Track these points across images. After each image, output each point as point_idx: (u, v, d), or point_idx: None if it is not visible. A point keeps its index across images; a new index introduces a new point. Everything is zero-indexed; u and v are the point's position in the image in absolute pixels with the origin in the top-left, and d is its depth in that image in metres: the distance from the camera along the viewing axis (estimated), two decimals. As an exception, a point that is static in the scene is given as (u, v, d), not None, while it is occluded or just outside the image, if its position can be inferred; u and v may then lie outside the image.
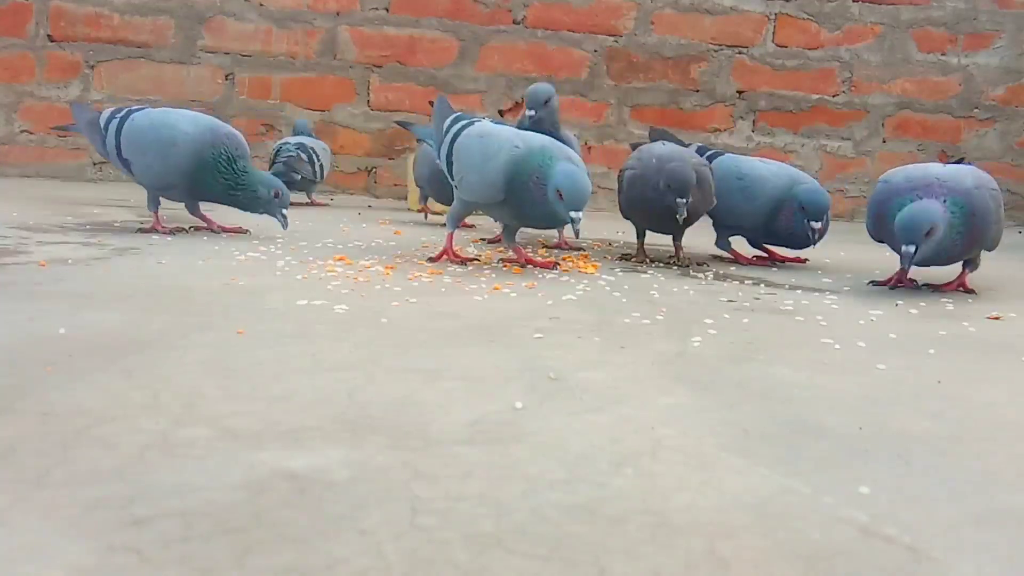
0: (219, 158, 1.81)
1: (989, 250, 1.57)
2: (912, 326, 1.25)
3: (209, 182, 1.82)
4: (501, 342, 1.01)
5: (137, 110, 1.88)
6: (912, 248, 1.40)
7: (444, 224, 1.69)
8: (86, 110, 2.01)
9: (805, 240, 1.80)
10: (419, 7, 3.17)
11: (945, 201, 1.43)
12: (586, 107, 3.23)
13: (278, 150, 2.66)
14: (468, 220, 2.35)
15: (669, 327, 1.15)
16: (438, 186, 2.20)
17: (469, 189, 1.62)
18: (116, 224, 1.93)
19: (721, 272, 1.71)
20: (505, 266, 1.62)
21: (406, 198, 2.98)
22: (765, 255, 1.93)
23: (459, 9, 3.18)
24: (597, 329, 1.11)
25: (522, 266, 1.61)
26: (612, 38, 3.21)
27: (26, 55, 3.12)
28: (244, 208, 1.87)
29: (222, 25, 3.15)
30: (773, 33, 3.24)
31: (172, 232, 1.84)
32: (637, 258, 1.81)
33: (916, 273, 1.60)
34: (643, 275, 1.61)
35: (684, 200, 1.64)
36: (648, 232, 1.85)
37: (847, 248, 2.22)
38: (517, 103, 3.22)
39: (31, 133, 3.13)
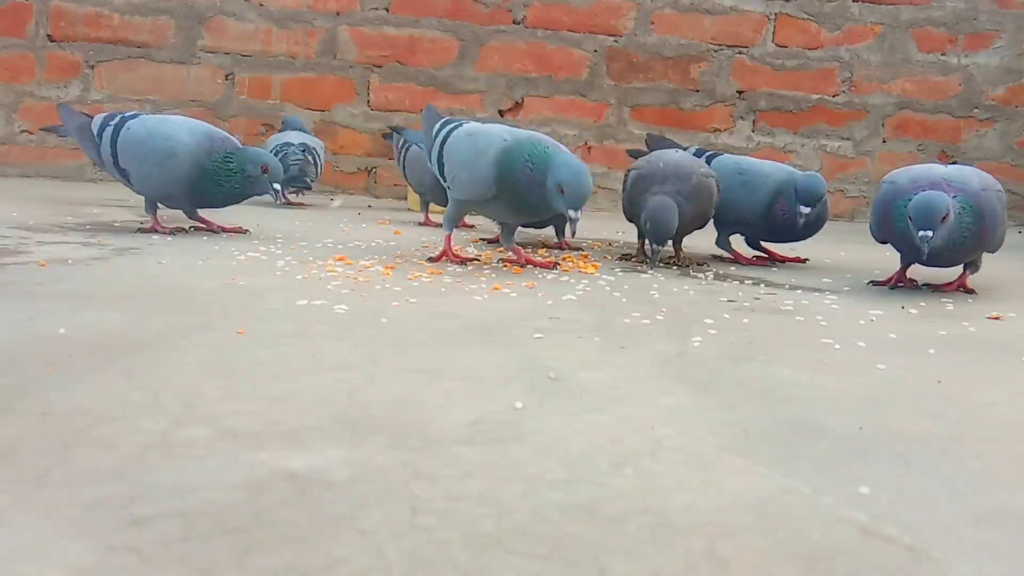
0: (217, 163, 1.80)
1: (992, 252, 1.56)
2: (912, 326, 1.25)
3: (210, 189, 1.81)
4: (501, 342, 1.01)
5: (131, 117, 1.86)
6: (929, 233, 1.38)
7: (442, 224, 1.69)
8: (75, 114, 1.97)
9: (795, 226, 1.79)
10: (419, 7, 3.17)
11: (955, 197, 1.43)
12: (586, 107, 3.23)
13: (282, 152, 2.65)
14: (468, 220, 2.35)
15: (669, 327, 1.15)
16: (437, 188, 2.19)
17: (461, 187, 1.62)
18: (116, 224, 1.93)
19: (721, 272, 1.71)
20: (505, 266, 1.62)
21: (406, 198, 2.98)
22: (765, 255, 1.93)
23: (459, 9, 3.18)
24: (597, 329, 1.11)
25: (522, 266, 1.61)
26: (612, 38, 3.21)
27: (26, 55, 3.12)
28: (242, 196, 1.85)
29: (222, 25, 3.15)
30: (773, 33, 3.24)
31: (172, 232, 1.84)
32: (637, 258, 1.81)
33: (916, 273, 1.60)
34: (643, 275, 1.61)
35: (660, 248, 1.64)
36: None
37: (847, 248, 2.22)
38: (517, 103, 3.22)
39: (31, 133, 3.13)
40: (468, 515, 0.54)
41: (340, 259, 1.57)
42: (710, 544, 0.52)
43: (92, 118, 1.92)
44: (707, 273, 1.68)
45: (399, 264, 1.56)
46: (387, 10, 3.17)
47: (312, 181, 2.65)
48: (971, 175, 1.51)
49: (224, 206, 1.88)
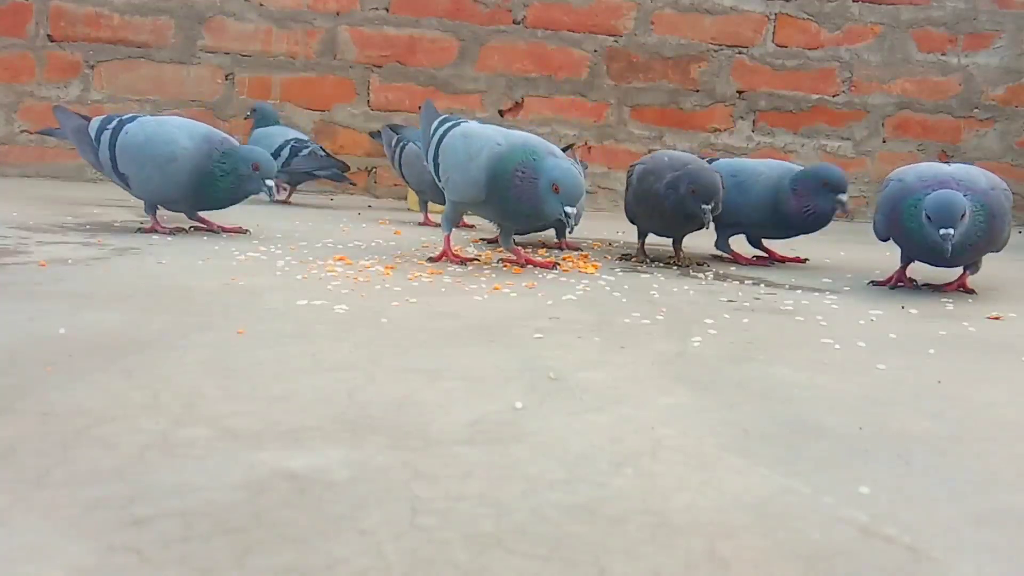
0: (216, 165, 1.80)
1: (998, 251, 1.56)
2: (912, 326, 1.25)
3: (210, 191, 1.80)
4: (501, 342, 1.01)
5: (129, 120, 1.85)
6: (951, 231, 1.37)
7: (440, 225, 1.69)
8: (71, 116, 1.96)
9: (827, 218, 1.80)
10: (419, 7, 3.17)
11: (966, 195, 1.43)
12: (586, 107, 3.23)
13: (301, 148, 2.66)
14: (468, 220, 2.35)
15: (669, 327, 1.15)
16: (435, 187, 2.19)
17: (454, 189, 1.62)
18: (116, 224, 1.93)
19: (721, 272, 1.71)
20: (505, 266, 1.62)
21: (406, 198, 2.98)
22: (765, 255, 1.93)
23: (459, 9, 3.18)
24: (597, 329, 1.11)
25: (522, 266, 1.61)
26: (612, 38, 3.21)
27: (26, 55, 3.12)
28: (240, 196, 1.84)
29: (222, 25, 3.15)
30: (773, 33, 3.24)
31: (172, 232, 1.84)
32: (637, 258, 1.81)
33: (916, 273, 1.60)
34: (643, 275, 1.61)
35: (709, 206, 1.63)
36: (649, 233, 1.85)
37: (847, 248, 2.22)
38: (517, 103, 3.22)
39: (31, 133, 3.13)
40: (468, 515, 0.54)
41: (340, 259, 1.57)
42: (710, 544, 0.52)
43: (89, 120, 1.91)
44: (707, 273, 1.68)
45: (399, 264, 1.56)
46: (387, 10, 3.17)
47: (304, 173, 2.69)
48: (978, 175, 1.51)
49: (225, 207, 1.88)
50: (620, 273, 1.62)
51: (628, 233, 2.17)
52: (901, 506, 0.59)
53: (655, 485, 0.61)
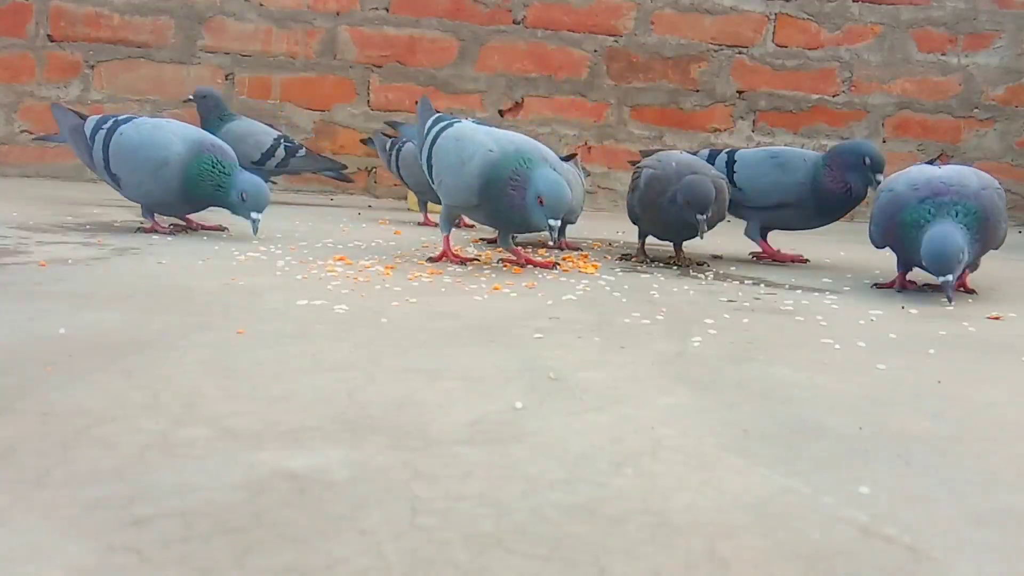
0: (203, 164, 1.78)
1: (996, 248, 1.55)
2: (912, 326, 1.25)
3: (197, 191, 1.79)
4: (501, 342, 1.01)
5: (124, 121, 1.84)
6: (950, 277, 1.38)
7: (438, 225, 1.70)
8: (68, 114, 1.96)
9: (862, 194, 1.81)
10: (419, 7, 3.17)
11: (957, 215, 1.42)
12: (586, 107, 3.23)
13: (289, 148, 2.65)
14: (468, 220, 2.35)
15: (669, 327, 1.15)
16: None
17: (447, 192, 1.63)
18: (116, 224, 1.93)
19: (721, 272, 1.71)
20: (505, 266, 1.62)
21: (406, 198, 2.98)
22: (764, 253, 1.93)
23: (459, 9, 3.18)
24: (597, 329, 1.11)
25: (522, 266, 1.61)
26: (612, 38, 3.21)
27: (26, 55, 3.12)
28: (228, 208, 1.83)
29: (222, 25, 3.15)
30: (773, 33, 3.24)
31: (172, 232, 1.84)
32: (637, 258, 1.81)
33: (916, 274, 1.60)
34: (643, 275, 1.61)
35: (704, 216, 1.63)
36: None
37: (847, 248, 2.22)
38: (517, 103, 3.22)
39: (31, 133, 3.13)
40: (468, 515, 0.54)
41: (340, 259, 1.57)
42: (710, 544, 0.52)
43: (86, 119, 1.91)
44: (707, 273, 1.68)
45: (399, 264, 1.56)
46: (387, 10, 3.17)
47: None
48: (969, 175, 1.50)
49: (217, 205, 1.88)
50: (620, 273, 1.62)
51: (628, 233, 2.17)
52: (901, 506, 0.59)
53: (655, 485, 0.61)
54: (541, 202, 1.48)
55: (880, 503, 0.60)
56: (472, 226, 2.36)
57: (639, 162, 1.92)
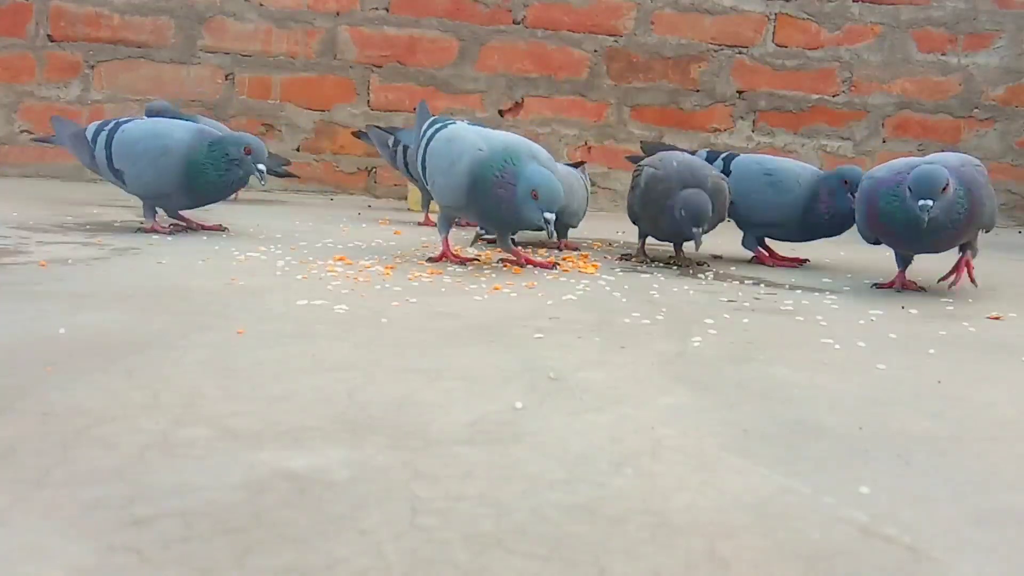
0: (203, 153, 1.80)
1: (988, 229, 1.55)
2: (912, 326, 1.25)
3: (203, 183, 1.81)
4: (501, 342, 1.01)
5: (126, 121, 1.88)
6: (929, 202, 1.37)
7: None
8: (68, 123, 2.01)
9: (848, 219, 1.79)
10: (419, 7, 3.17)
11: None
12: (586, 107, 3.23)
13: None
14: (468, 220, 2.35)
15: (669, 327, 1.15)
16: None
17: (439, 193, 1.63)
18: (116, 224, 1.93)
19: (721, 272, 1.71)
20: (505, 266, 1.62)
21: (406, 198, 2.98)
22: (766, 254, 1.93)
23: (459, 9, 3.18)
24: (597, 329, 1.11)
25: (522, 266, 1.61)
26: (612, 38, 3.21)
27: (26, 55, 3.12)
28: (235, 185, 1.85)
29: (222, 25, 3.15)
30: (773, 33, 3.24)
31: (172, 231, 1.84)
32: (637, 258, 1.81)
33: (916, 271, 1.60)
34: (643, 275, 1.61)
35: (700, 229, 1.63)
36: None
37: (847, 248, 2.22)
38: (517, 103, 3.22)
39: (31, 133, 3.13)
40: (468, 515, 0.54)
41: (340, 259, 1.57)
42: (710, 544, 0.52)
43: (86, 128, 1.95)
44: (707, 273, 1.68)
45: (399, 264, 1.56)
46: (387, 10, 3.17)
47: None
48: (949, 156, 1.52)
49: (219, 199, 1.89)
50: (620, 273, 1.62)
51: (628, 233, 2.17)
52: (901, 506, 0.59)
53: (655, 485, 0.61)
54: (535, 196, 1.48)
55: (880, 503, 0.60)
56: (475, 224, 2.36)
57: (639, 159, 1.92)
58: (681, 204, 1.64)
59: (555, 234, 1.53)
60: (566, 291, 1.38)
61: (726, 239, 2.03)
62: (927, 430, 0.76)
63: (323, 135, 3.18)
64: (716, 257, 1.94)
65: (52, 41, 3.12)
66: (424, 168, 1.68)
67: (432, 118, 1.73)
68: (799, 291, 1.52)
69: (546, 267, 1.61)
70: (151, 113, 2.54)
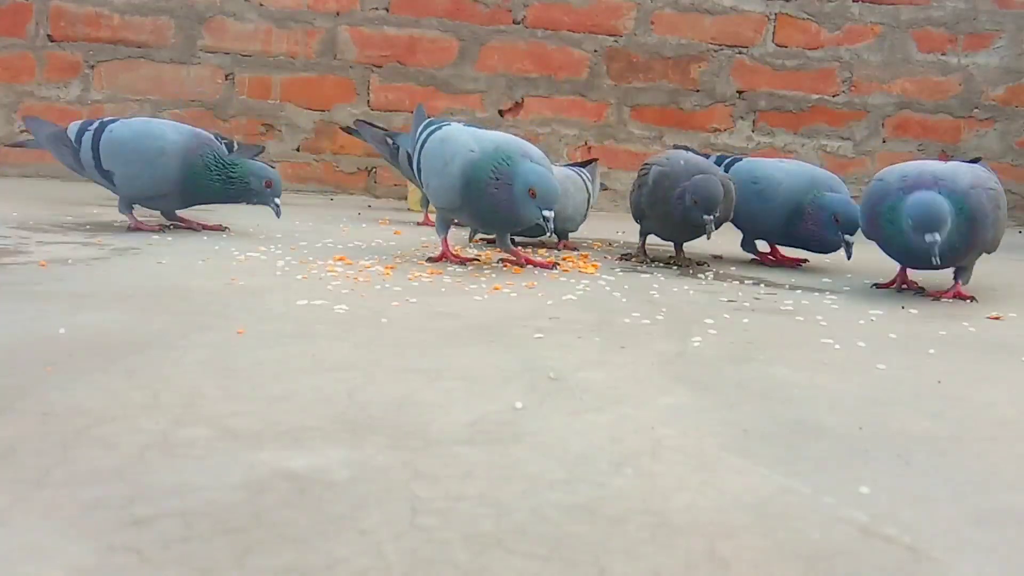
0: (207, 159, 1.82)
1: (989, 252, 1.53)
2: (912, 326, 1.25)
3: (203, 184, 1.82)
4: (501, 342, 1.01)
5: (110, 121, 1.88)
6: (937, 236, 1.34)
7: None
8: (45, 124, 2.01)
9: (833, 247, 1.77)
10: (419, 7, 3.17)
11: (941, 193, 1.39)
12: (586, 107, 3.23)
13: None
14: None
15: (669, 327, 1.15)
16: None
17: (433, 195, 1.64)
18: (116, 224, 1.93)
19: (721, 272, 1.71)
20: (505, 266, 1.62)
21: (406, 198, 2.98)
22: (770, 255, 1.92)
23: (459, 9, 3.18)
24: (597, 329, 1.11)
25: (522, 266, 1.61)
26: (612, 38, 3.21)
27: (26, 55, 3.12)
28: (238, 200, 1.87)
29: (222, 25, 3.15)
30: (773, 33, 3.24)
31: (159, 228, 1.86)
32: (638, 258, 1.81)
33: (916, 276, 1.59)
34: (643, 275, 1.61)
35: (711, 216, 1.62)
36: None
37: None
38: (517, 103, 3.22)
39: (31, 133, 3.13)
40: (468, 515, 0.54)
41: (340, 259, 1.57)
42: (710, 544, 0.52)
43: (65, 127, 1.94)
44: (707, 273, 1.68)
45: (399, 264, 1.56)
46: (387, 10, 3.17)
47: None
48: (965, 172, 1.46)
49: (220, 201, 1.90)
50: (620, 273, 1.62)
51: (628, 233, 2.17)
52: (901, 506, 0.59)
53: (655, 485, 0.61)
54: (533, 194, 1.48)
55: (880, 503, 0.60)
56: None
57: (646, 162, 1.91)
58: (692, 190, 1.63)
59: (554, 233, 1.52)
60: (566, 291, 1.38)
61: (726, 239, 2.03)
62: (927, 430, 0.76)
63: (323, 135, 3.18)
64: (716, 257, 1.94)
65: (52, 41, 3.12)
66: (419, 171, 1.68)
67: (428, 119, 1.73)
68: (799, 291, 1.52)
69: (546, 267, 1.61)
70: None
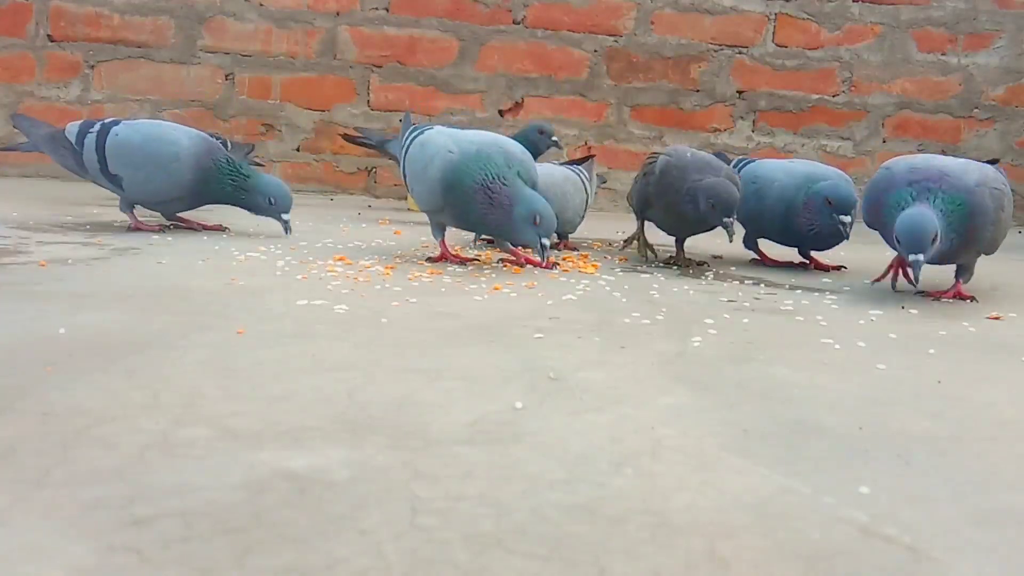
0: (219, 163, 1.82)
1: (987, 254, 1.52)
2: (912, 326, 1.25)
3: (215, 188, 1.83)
4: (501, 342, 1.01)
5: (112, 123, 1.86)
6: (920, 256, 1.34)
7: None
8: (38, 124, 1.99)
9: (835, 236, 1.76)
10: (419, 7, 3.17)
11: (935, 201, 1.39)
12: (586, 107, 3.23)
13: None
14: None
15: (669, 327, 1.15)
16: None
17: (418, 199, 1.66)
18: (116, 224, 1.93)
19: (721, 272, 1.71)
20: (505, 266, 1.62)
21: (406, 198, 2.98)
22: (763, 256, 1.92)
23: (459, 9, 3.17)
24: (597, 329, 1.11)
25: (521, 266, 1.61)
26: (612, 38, 3.21)
27: (26, 55, 3.12)
28: (246, 208, 1.87)
29: (222, 25, 3.15)
30: (773, 33, 3.23)
31: (159, 228, 1.86)
32: (640, 253, 1.81)
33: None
34: (643, 275, 1.61)
35: (731, 219, 1.61)
36: (645, 228, 1.84)
37: (847, 248, 2.22)
38: (517, 103, 3.22)
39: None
40: (468, 515, 0.54)
41: (340, 259, 1.57)
42: (710, 544, 0.52)
43: (62, 128, 1.92)
44: (707, 273, 1.68)
45: (399, 264, 1.56)
46: (387, 10, 3.17)
47: None
48: (974, 170, 1.45)
49: (232, 204, 1.90)
50: (620, 273, 1.62)
51: (628, 233, 2.17)
52: (901, 506, 0.59)
53: (655, 485, 0.61)
54: (537, 222, 1.51)
55: (880, 503, 0.60)
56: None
57: (651, 152, 1.91)
58: (710, 193, 1.62)
59: (545, 258, 1.55)
60: (566, 291, 1.38)
61: (726, 239, 2.03)
62: (927, 430, 0.76)
63: (323, 135, 3.18)
64: (716, 257, 1.94)
65: (52, 41, 3.12)
66: (405, 176, 1.69)
67: (415, 125, 1.74)
68: (799, 291, 1.52)
69: (546, 267, 1.61)
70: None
